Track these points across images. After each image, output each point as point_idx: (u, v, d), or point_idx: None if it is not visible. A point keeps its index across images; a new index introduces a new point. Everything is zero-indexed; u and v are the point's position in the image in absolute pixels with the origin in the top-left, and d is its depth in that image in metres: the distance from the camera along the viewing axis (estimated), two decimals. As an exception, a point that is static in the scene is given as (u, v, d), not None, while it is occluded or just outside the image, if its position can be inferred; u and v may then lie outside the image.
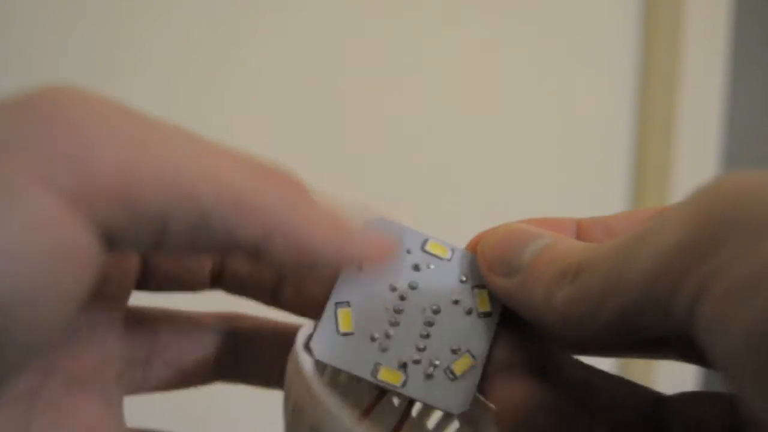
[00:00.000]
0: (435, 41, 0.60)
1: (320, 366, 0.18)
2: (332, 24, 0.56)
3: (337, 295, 0.18)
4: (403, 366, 0.18)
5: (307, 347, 0.18)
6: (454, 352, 0.19)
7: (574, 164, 0.68)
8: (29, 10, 0.47)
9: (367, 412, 0.19)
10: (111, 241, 0.13)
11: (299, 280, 0.19)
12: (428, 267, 0.19)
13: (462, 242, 0.22)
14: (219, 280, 0.20)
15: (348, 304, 0.18)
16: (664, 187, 0.69)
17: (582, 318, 0.15)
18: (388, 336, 0.18)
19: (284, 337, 0.21)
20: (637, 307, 0.14)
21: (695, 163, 0.69)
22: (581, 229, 0.19)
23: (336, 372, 0.20)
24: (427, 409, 0.20)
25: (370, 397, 0.19)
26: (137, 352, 0.19)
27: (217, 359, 0.20)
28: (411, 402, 0.19)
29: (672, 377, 0.70)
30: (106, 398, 0.18)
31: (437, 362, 0.18)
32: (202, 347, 0.20)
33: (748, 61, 0.71)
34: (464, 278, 0.19)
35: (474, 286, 0.19)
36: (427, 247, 0.19)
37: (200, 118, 0.51)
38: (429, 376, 0.18)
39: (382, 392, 0.19)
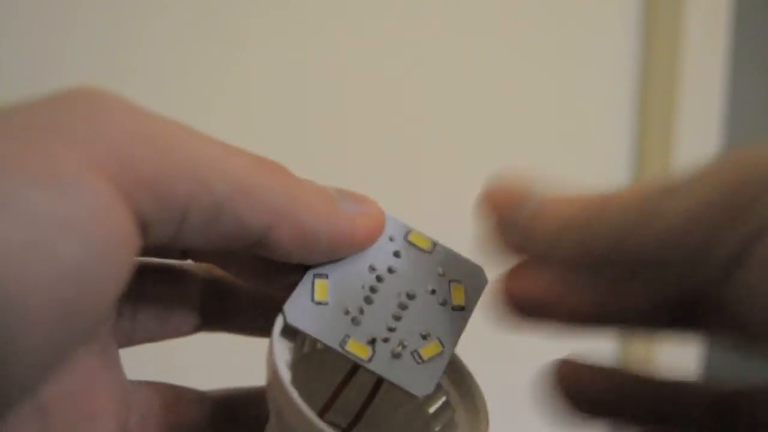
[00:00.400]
0: (434, 40, 0.60)
1: (300, 337, 0.19)
2: (331, 23, 0.56)
3: (317, 267, 0.19)
4: (372, 342, 0.18)
5: (282, 319, 0.18)
6: (423, 337, 0.19)
7: (574, 164, 0.68)
8: (29, 10, 0.47)
9: (336, 393, 0.19)
10: (143, 230, 0.14)
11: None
12: (408, 256, 0.20)
13: (459, 235, 0.22)
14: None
15: (326, 276, 0.19)
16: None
17: (602, 250, 0.16)
18: (361, 311, 0.19)
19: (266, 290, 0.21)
20: (663, 254, 0.14)
21: (695, 163, 0.69)
22: None
23: (314, 345, 0.20)
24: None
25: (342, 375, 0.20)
26: (126, 306, 0.20)
27: (201, 308, 0.21)
28: (377, 386, 0.19)
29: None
30: (103, 351, 0.18)
31: (406, 344, 0.19)
32: (187, 296, 0.21)
33: (748, 61, 0.71)
34: (442, 272, 0.20)
35: (451, 281, 0.20)
36: (410, 238, 0.20)
37: (200, 117, 0.51)
38: (396, 356, 0.18)
39: (352, 370, 0.19)
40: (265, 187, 0.16)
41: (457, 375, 0.20)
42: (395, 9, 0.58)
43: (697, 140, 0.69)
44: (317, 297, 0.18)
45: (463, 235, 0.21)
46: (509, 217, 0.18)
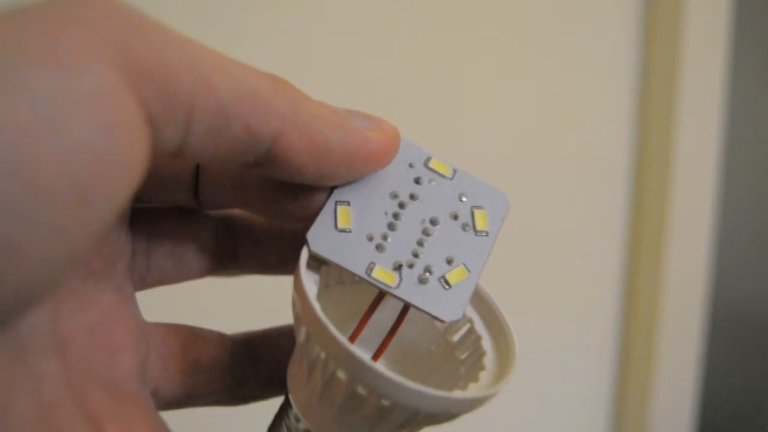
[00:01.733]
0: (434, 41, 0.60)
1: (323, 270, 0.19)
2: (331, 22, 0.56)
3: (339, 194, 0.18)
4: (398, 268, 0.18)
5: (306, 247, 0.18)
6: (449, 262, 0.19)
7: (574, 164, 0.68)
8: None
9: (362, 324, 0.19)
10: (151, 125, 0.14)
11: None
12: (429, 182, 0.19)
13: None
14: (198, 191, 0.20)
15: (348, 203, 0.18)
16: (664, 187, 0.69)
17: None
18: (385, 238, 0.18)
19: (279, 226, 0.21)
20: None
21: (695, 164, 0.69)
22: None
23: (336, 278, 0.20)
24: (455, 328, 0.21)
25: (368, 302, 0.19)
26: (140, 245, 0.20)
27: (215, 247, 0.21)
28: (402, 315, 0.19)
29: (672, 381, 0.69)
30: (120, 290, 0.18)
31: (432, 269, 0.18)
32: (200, 235, 0.21)
33: (748, 61, 0.71)
34: (464, 198, 0.20)
35: (473, 206, 0.20)
36: (430, 164, 0.20)
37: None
38: (423, 281, 0.18)
39: (376, 300, 0.19)
40: (270, 93, 0.16)
41: (481, 303, 0.20)
42: (394, 9, 0.58)
43: (697, 140, 0.69)
44: (340, 224, 0.18)
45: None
46: None
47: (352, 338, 0.19)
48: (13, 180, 0.12)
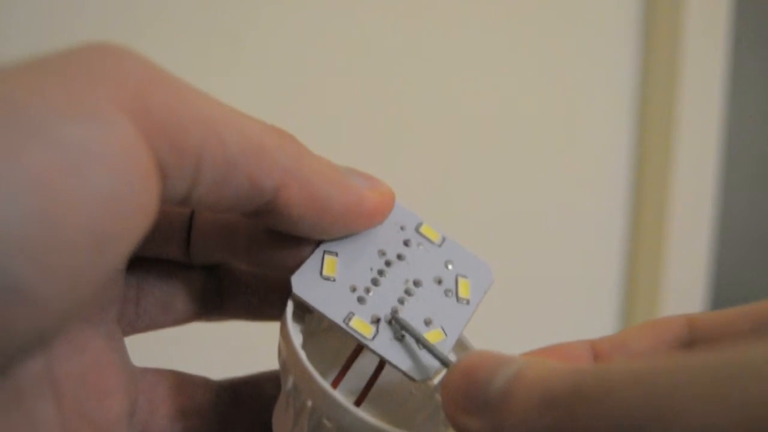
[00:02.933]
0: (434, 40, 0.60)
1: (308, 319, 0.19)
2: (333, 22, 0.56)
3: (328, 245, 0.19)
4: (376, 321, 0.19)
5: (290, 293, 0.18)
6: (427, 323, 0.19)
7: (574, 164, 0.68)
8: (30, 9, 0.47)
9: (343, 371, 0.19)
10: (161, 175, 0.15)
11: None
12: (418, 246, 0.20)
13: (455, 237, 0.22)
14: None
15: (336, 254, 0.19)
16: (664, 188, 0.69)
17: None
18: (367, 291, 0.19)
19: (265, 274, 0.22)
20: None
21: (695, 164, 0.69)
22: (598, 355, 0.18)
23: (319, 326, 0.20)
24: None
25: (348, 352, 0.20)
26: (131, 292, 0.20)
27: (203, 296, 0.21)
28: (380, 366, 0.20)
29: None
30: (110, 335, 0.19)
31: None
32: (189, 285, 0.21)
33: (748, 61, 0.71)
34: (450, 266, 0.20)
35: (458, 274, 0.20)
36: (421, 229, 0.21)
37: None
38: (399, 338, 0.19)
39: (356, 351, 0.20)
40: (275, 148, 0.16)
41: (462, 349, 0.20)
42: (396, 10, 0.58)
43: (697, 140, 0.69)
44: (325, 272, 0.19)
45: (459, 237, 0.22)
46: (475, 395, 0.14)
47: (335, 384, 0.19)
48: (36, 226, 0.12)
